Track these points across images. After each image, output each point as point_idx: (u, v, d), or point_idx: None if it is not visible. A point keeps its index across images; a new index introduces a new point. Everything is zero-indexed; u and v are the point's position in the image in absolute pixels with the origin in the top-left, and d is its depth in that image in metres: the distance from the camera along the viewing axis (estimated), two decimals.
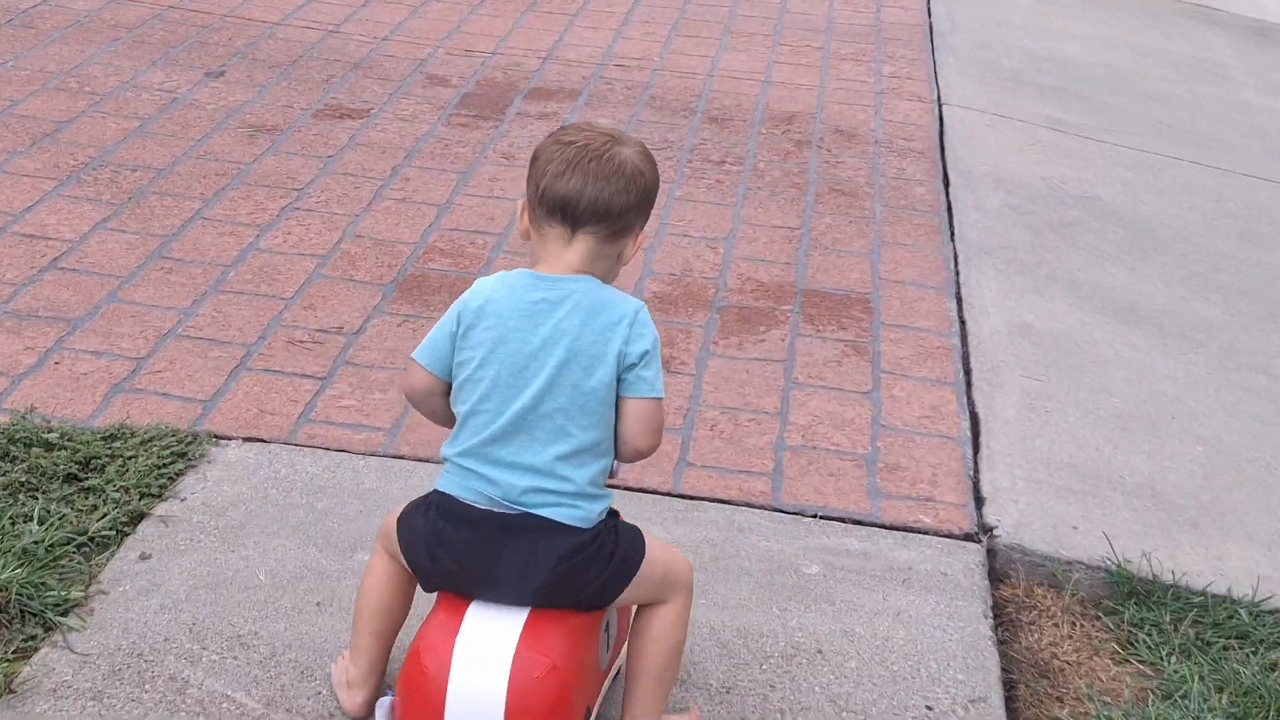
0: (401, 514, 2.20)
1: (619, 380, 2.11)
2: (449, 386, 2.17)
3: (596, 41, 5.72)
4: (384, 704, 2.21)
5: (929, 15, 6.53)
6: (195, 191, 4.07)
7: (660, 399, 2.14)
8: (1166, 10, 7.22)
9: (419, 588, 2.23)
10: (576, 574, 2.09)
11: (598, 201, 2.08)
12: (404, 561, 2.19)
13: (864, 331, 3.69)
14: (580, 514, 2.10)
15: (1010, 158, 4.94)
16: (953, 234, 4.32)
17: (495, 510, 2.09)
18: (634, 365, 2.11)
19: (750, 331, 3.64)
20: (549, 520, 2.08)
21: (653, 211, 2.20)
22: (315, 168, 4.31)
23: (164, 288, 3.55)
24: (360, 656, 2.29)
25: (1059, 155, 5.02)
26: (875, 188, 4.59)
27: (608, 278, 2.16)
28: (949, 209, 4.50)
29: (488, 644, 2.04)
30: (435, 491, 2.15)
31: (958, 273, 4.07)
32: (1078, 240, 4.35)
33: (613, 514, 2.19)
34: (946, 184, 4.68)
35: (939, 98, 5.48)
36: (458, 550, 2.09)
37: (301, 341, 3.39)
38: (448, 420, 2.20)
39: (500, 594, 2.10)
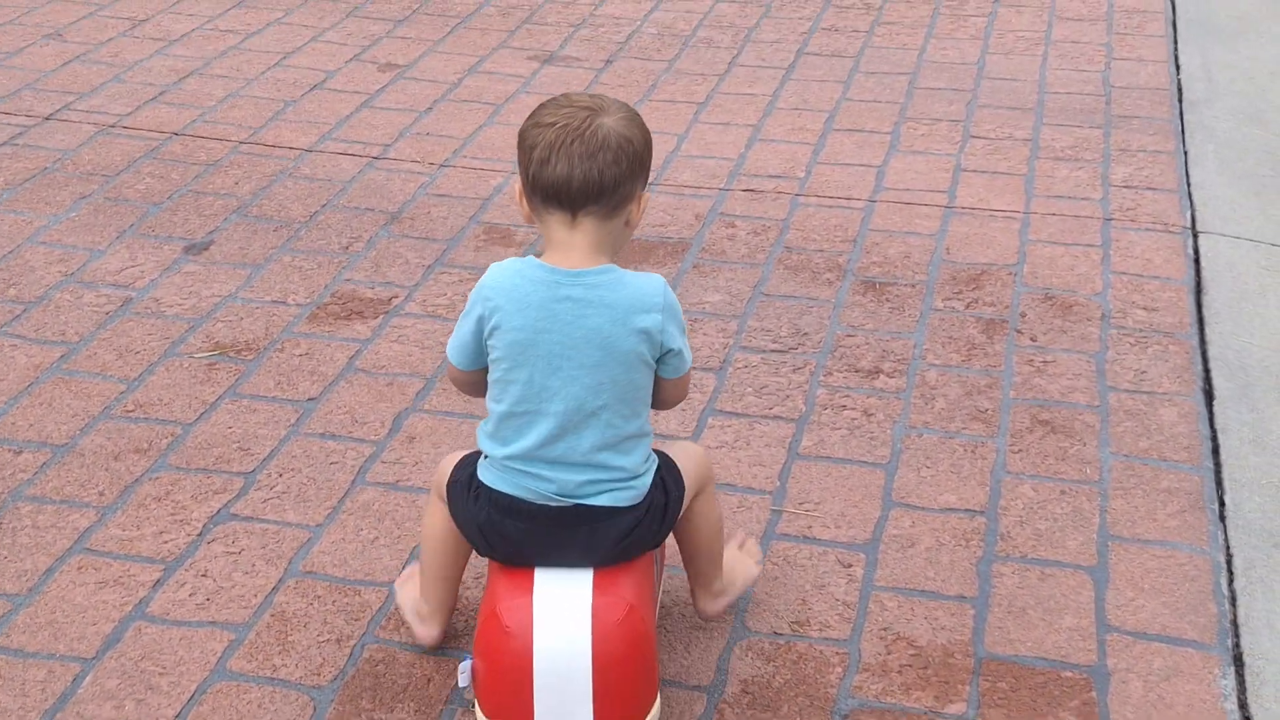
0: (450, 484, 2.23)
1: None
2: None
3: (725, 146, 4.32)
4: (465, 668, 2.17)
5: (1176, 70, 4.93)
6: (91, 491, 2.82)
7: (691, 367, 2.22)
8: None
9: None
10: (636, 543, 2.16)
11: (588, 182, 2.05)
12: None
13: None
14: (634, 494, 2.14)
15: None
16: (1223, 511, 2.83)
17: (551, 505, 2.11)
18: (669, 352, 2.14)
19: None
20: (605, 507, 2.12)
21: (650, 173, 2.19)
22: (285, 424, 3.04)
23: None
24: (430, 595, 2.36)
25: None
26: (1102, 414, 3.11)
27: (619, 245, 2.16)
28: (1215, 452, 3.00)
29: (564, 596, 2.09)
30: (481, 483, 2.15)
31: (1234, 603, 2.59)
32: None
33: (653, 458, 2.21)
34: (1210, 398, 3.18)
35: (1193, 221, 3.93)
36: (515, 540, 2.13)
37: None
38: None
39: (562, 564, 2.14)
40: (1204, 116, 4.58)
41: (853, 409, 3.12)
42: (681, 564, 2.47)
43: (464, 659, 2.20)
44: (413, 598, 2.43)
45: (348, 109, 4.56)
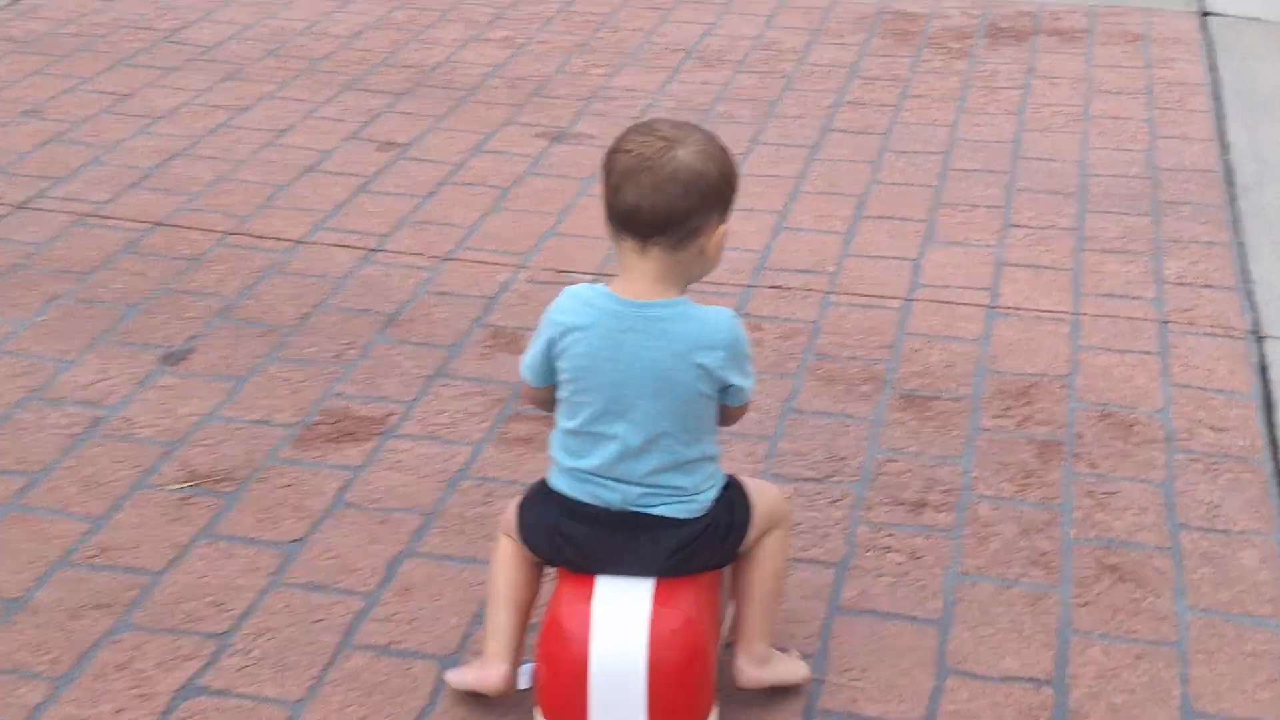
0: (522, 503, 2.32)
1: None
2: None
3: (749, 236, 4.01)
4: (526, 669, 2.28)
5: (1223, 149, 4.63)
6: (44, 658, 2.46)
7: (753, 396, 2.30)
8: None
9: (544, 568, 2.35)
10: (694, 556, 2.22)
11: (655, 213, 2.11)
12: (525, 547, 2.31)
13: None
14: (695, 507, 2.22)
15: None
16: None
17: (613, 509, 2.20)
18: (731, 387, 2.21)
19: None
20: (667, 517, 2.20)
21: (734, 203, 2.20)
22: (265, 571, 2.72)
23: None
24: (499, 631, 2.31)
25: None
26: (1174, 558, 2.79)
27: (694, 274, 2.21)
28: None
29: (623, 604, 2.17)
30: (551, 488, 2.26)
31: None
32: None
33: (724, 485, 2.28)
34: None
35: (1256, 325, 3.62)
36: (579, 543, 2.22)
37: None
38: None
39: (623, 572, 2.21)
40: (1257, 202, 4.28)
41: (898, 550, 2.81)
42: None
43: (526, 662, 2.29)
44: (466, 668, 2.39)
45: (343, 194, 4.27)
